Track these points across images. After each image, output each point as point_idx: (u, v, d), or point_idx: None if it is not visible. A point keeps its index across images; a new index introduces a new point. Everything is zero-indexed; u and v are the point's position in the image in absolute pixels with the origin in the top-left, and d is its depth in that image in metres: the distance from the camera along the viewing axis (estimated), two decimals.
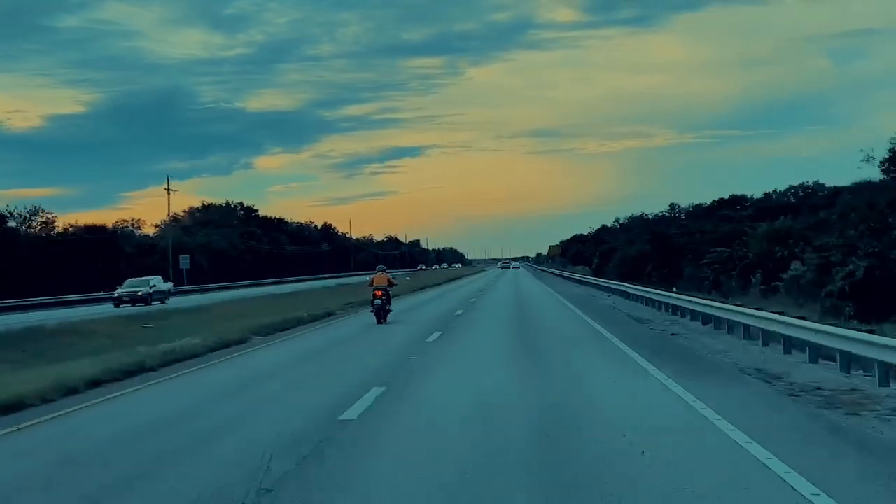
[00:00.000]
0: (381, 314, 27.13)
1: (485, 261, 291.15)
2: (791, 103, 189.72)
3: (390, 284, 28.18)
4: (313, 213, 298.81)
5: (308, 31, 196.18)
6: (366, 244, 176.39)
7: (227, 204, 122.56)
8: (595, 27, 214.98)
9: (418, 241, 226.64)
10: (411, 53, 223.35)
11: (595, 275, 67.75)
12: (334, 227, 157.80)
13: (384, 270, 29.23)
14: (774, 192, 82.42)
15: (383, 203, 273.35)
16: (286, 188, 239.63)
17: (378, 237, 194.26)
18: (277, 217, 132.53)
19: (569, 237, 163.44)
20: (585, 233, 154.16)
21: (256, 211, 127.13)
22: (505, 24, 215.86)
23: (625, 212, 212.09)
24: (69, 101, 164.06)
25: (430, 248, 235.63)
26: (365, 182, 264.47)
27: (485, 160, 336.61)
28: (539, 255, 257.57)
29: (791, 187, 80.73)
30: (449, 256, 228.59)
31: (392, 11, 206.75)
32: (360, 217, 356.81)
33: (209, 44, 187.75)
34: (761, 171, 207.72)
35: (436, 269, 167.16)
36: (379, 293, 27.26)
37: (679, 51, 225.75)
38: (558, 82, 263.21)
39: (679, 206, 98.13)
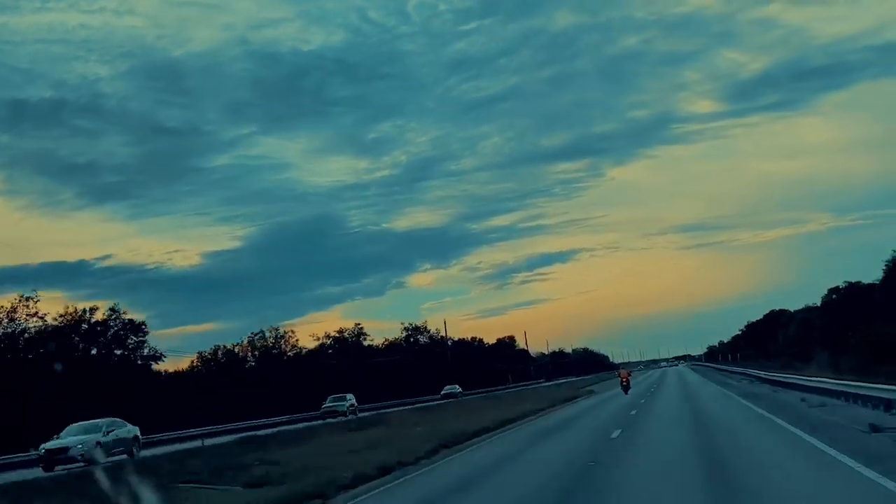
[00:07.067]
0: (626, 389, 53.46)
1: (638, 363, 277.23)
2: None
3: (629, 374, 57.84)
4: (466, 326, 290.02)
5: (450, 147, 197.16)
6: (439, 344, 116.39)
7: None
8: (739, 115, 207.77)
9: (513, 337, 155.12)
10: (552, 159, 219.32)
11: None
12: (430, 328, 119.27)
13: (625, 368, 52.44)
14: None
15: (534, 312, 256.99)
16: (438, 304, 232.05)
17: (523, 345, 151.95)
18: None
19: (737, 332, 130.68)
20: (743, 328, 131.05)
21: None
22: (645, 121, 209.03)
23: (780, 303, 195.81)
24: (225, 238, 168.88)
25: (555, 351, 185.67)
26: (516, 291, 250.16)
27: (634, 260, 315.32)
28: (712, 348, 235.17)
29: None
30: (579, 363, 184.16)
31: (531, 119, 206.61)
32: (512, 328, 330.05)
33: (355, 169, 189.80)
34: None
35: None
36: (625, 379, 53.32)
37: (829, 131, 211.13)
38: (704, 174, 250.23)
39: None
